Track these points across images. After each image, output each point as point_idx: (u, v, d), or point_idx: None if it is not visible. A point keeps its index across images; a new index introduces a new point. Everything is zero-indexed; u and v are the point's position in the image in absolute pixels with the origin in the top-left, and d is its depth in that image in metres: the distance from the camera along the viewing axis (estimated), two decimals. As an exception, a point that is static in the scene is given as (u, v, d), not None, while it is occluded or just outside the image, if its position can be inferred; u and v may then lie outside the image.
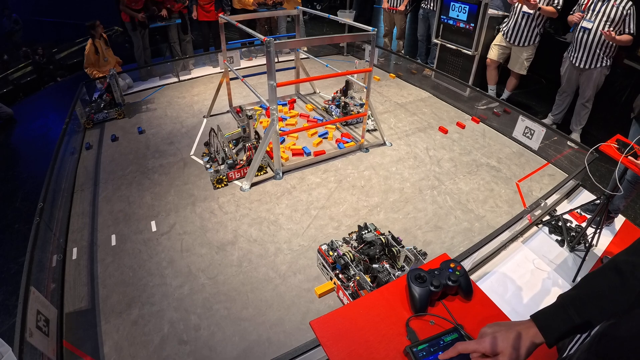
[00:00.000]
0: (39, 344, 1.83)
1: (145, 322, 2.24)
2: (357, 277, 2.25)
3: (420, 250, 2.44)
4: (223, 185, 3.38)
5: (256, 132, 3.80)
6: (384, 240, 2.47)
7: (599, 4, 3.70)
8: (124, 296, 2.40)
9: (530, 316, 0.84)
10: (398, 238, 2.52)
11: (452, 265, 1.12)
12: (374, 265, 2.36)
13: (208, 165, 3.57)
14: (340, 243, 2.52)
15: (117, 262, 2.65)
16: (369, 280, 2.24)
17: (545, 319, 0.82)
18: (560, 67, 4.30)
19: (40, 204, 2.62)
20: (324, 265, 2.49)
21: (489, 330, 0.84)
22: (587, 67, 3.92)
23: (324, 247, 2.49)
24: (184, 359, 2.05)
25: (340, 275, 2.34)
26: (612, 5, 3.61)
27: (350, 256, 2.37)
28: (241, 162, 3.49)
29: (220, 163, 3.49)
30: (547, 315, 0.83)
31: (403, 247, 2.44)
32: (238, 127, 3.96)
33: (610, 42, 3.70)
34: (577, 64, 3.98)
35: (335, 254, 2.42)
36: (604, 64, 3.85)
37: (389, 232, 2.61)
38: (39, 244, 2.35)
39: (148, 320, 2.25)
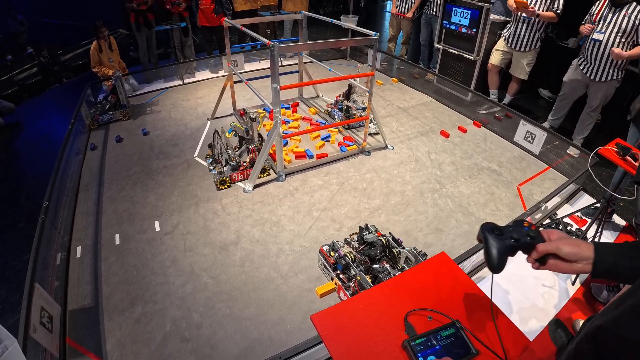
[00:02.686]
0: (42, 340, 1.85)
1: (147, 320, 2.26)
2: (358, 278, 2.27)
3: (421, 251, 2.46)
4: (226, 186, 3.41)
5: (259, 135, 3.84)
6: (384, 242, 2.49)
7: (610, 14, 3.58)
8: (127, 294, 2.42)
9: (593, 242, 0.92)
10: (399, 239, 2.54)
11: (526, 224, 0.94)
12: (375, 266, 2.39)
13: (211, 167, 3.61)
14: (341, 244, 2.54)
15: (121, 260, 2.68)
16: (369, 280, 2.26)
17: (603, 246, 0.90)
18: (563, 72, 4.19)
19: (46, 202, 2.65)
20: (325, 266, 2.51)
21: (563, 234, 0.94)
22: (598, 79, 3.82)
23: (326, 247, 2.52)
24: (186, 357, 2.07)
25: (341, 276, 2.36)
26: (624, 15, 3.49)
27: (351, 257, 2.40)
28: (244, 164, 3.52)
29: (223, 165, 3.53)
30: (606, 245, 0.91)
31: (403, 248, 2.46)
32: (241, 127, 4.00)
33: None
34: (588, 75, 3.87)
35: (337, 254, 2.44)
36: (615, 77, 3.74)
37: (390, 233, 2.63)
38: (43, 242, 2.37)
39: (151, 318, 2.27)
